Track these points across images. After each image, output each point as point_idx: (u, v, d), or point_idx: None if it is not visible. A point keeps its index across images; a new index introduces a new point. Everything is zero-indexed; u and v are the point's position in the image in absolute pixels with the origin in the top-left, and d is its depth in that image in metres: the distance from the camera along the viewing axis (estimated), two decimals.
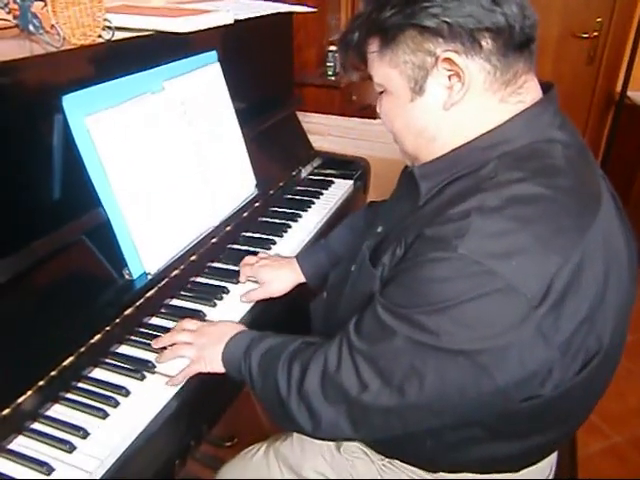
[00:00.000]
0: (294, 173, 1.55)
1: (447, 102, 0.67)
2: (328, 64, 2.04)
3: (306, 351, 0.74)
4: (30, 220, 0.84)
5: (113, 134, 0.89)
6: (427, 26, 0.63)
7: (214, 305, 1.02)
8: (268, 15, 1.33)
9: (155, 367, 0.86)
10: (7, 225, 0.80)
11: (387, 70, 0.69)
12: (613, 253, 0.67)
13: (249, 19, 1.24)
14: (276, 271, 1.07)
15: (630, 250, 0.71)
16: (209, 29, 1.08)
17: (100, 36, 0.88)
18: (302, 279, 1.09)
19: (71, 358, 0.81)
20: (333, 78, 2.07)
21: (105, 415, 0.77)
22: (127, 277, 0.94)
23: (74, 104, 0.83)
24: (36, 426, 0.75)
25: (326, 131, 1.93)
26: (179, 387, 0.84)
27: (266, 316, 1.05)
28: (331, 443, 0.88)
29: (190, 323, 0.91)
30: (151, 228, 0.96)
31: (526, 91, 0.68)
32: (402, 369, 0.62)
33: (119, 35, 0.94)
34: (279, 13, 1.38)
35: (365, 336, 0.66)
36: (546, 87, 0.72)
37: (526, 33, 0.65)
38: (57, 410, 0.78)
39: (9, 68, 0.78)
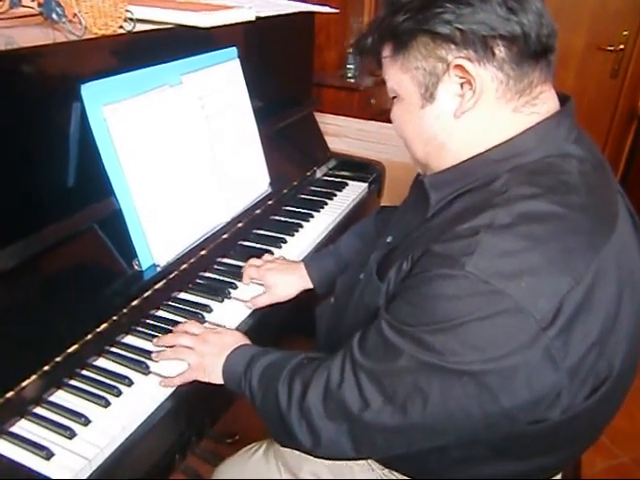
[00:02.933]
0: (309, 173, 1.54)
1: (458, 110, 0.65)
2: (348, 66, 2.03)
3: (308, 366, 0.72)
4: (43, 206, 0.85)
5: (129, 124, 0.90)
6: (439, 32, 0.62)
7: (221, 301, 1.02)
8: (290, 14, 1.33)
9: (159, 360, 0.86)
10: (19, 210, 0.81)
11: (399, 75, 0.68)
12: (627, 274, 0.65)
13: (271, 17, 1.24)
14: (283, 276, 1.05)
15: None
16: (230, 25, 1.09)
17: (121, 27, 0.89)
18: (309, 285, 1.07)
19: (76, 345, 0.81)
20: (352, 80, 2.06)
21: (107, 404, 0.77)
22: (136, 268, 0.94)
23: (92, 93, 0.84)
24: (38, 410, 0.76)
25: (342, 132, 1.92)
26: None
27: (271, 319, 1.04)
28: None
29: (194, 326, 0.90)
30: (162, 220, 0.96)
31: (541, 102, 0.66)
32: (406, 388, 0.60)
33: (139, 27, 0.95)
34: (301, 12, 1.38)
35: (369, 353, 0.65)
36: (563, 99, 0.70)
37: (542, 42, 0.63)
38: (60, 396, 0.78)
39: (31, 54, 0.79)
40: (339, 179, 1.61)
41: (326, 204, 1.45)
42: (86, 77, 0.84)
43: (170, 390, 0.82)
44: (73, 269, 0.87)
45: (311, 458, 0.86)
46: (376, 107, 2.29)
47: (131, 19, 0.89)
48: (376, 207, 1.72)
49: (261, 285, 1.06)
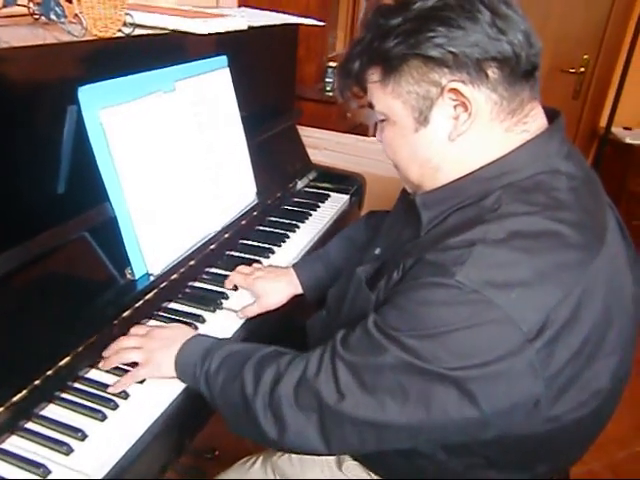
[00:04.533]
0: (291, 184, 1.54)
1: (453, 133, 0.66)
2: (327, 80, 2.06)
3: (281, 357, 0.71)
4: (34, 212, 0.81)
5: (126, 130, 0.88)
6: (432, 56, 0.62)
7: (213, 310, 1.00)
8: (277, 26, 1.34)
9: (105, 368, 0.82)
10: (9, 216, 0.77)
11: (389, 100, 0.67)
12: (617, 287, 0.66)
13: (258, 27, 1.24)
14: (272, 283, 1.04)
15: (637, 285, 0.71)
16: (221, 33, 1.08)
17: (120, 30, 0.87)
18: (298, 290, 1.06)
19: (68, 357, 0.78)
20: (331, 94, 2.08)
21: (104, 417, 0.74)
22: (129, 277, 0.91)
23: (89, 96, 0.81)
24: (30, 426, 0.72)
25: (321, 145, 1.94)
26: (179, 392, 0.81)
27: (262, 327, 1.03)
28: (331, 459, 0.85)
29: (139, 328, 0.88)
30: (156, 228, 0.94)
31: (532, 119, 0.67)
32: (386, 384, 0.60)
33: (136, 32, 0.93)
34: (286, 24, 1.39)
35: (351, 347, 0.64)
36: (551, 114, 0.71)
37: (532, 61, 0.64)
38: (53, 410, 0.74)
39: (29, 54, 0.77)
40: (321, 190, 1.62)
41: (310, 215, 1.45)
42: (83, 79, 0.81)
43: (169, 399, 0.79)
44: (64, 278, 0.84)
45: (310, 472, 0.85)
46: (351, 121, 2.32)
47: (131, 24, 0.87)
48: (356, 219, 1.75)
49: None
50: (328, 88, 2.08)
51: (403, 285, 0.64)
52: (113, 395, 0.77)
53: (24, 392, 0.71)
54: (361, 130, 2.41)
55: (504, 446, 0.67)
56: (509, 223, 0.61)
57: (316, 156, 1.79)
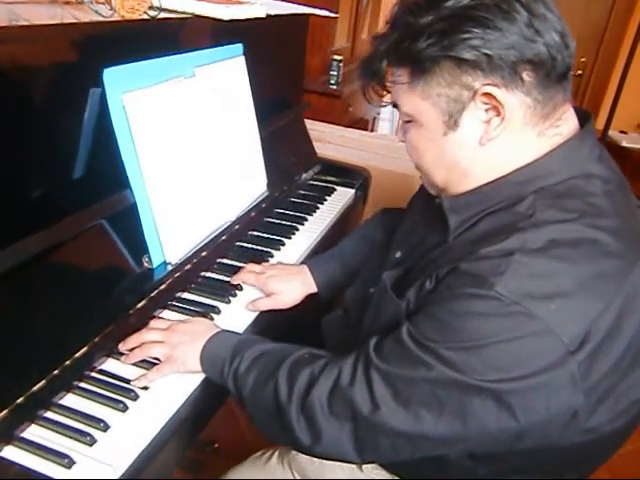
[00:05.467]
0: (297, 177, 1.53)
1: (483, 137, 0.64)
2: (332, 73, 2.04)
3: (315, 361, 0.70)
4: (50, 199, 0.79)
5: (148, 114, 0.85)
6: (466, 58, 0.60)
7: (228, 302, 0.99)
8: (291, 15, 1.32)
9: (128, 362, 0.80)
10: (25, 204, 0.75)
11: (418, 102, 0.65)
12: None
13: (273, 17, 1.22)
14: (286, 282, 1.01)
15: None
16: (239, 21, 1.06)
17: (145, 12, 0.85)
18: (313, 290, 1.04)
19: (86, 347, 0.75)
20: (335, 87, 2.07)
21: (125, 408, 0.72)
22: (146, 265, 0.89)
23: (114, 78, 0.79)
24: (50, 415, 0.70)
25: (324, 138, 1.93)
26: (198, 383, 0.79)
27: (274, 323, 1.01)
28: None
29: (160, 322, 0.85)
30: (175, 216, 0.92)
31: (564, 122, 0.65)
32: (422, 396, 0.59)
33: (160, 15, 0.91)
34: (297, 15, 1.37)
35: (386, 356, 0.63)
36: (582, 116, 0.69)
37: (566, 63, 0.63)
38: (73, 400, 0.73)
39: (49, 33, 0.74)
40: (326, 184, 1.61)
41: (317, 208, 1.44)
42: (104, 61, 0.79)
43: (191, 388, 0.78)
44: (81, 267, 0.81)
45: (331, 470, 0.83)
46: (352, 115, 2.32)
47: (157, 7, 0.85)
48: (361, 214, 1.75)
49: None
50: (332, 81, 2.07)
51: (437, 295, 0.62)
52: (134, 386, 0.76)
53: (43, 382, 0.69)
54: (362, 125, 2.41)
55: (536, 455, 0.66)
56: (546, 231, 0.60)
57: (320, 149, 1.78)
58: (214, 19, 0.93)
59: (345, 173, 1.65)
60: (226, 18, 0.94)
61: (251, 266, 1.05)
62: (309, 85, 2.01)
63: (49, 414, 0.70)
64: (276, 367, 0.70)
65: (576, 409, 0.59)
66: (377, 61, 0.67)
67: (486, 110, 0.63)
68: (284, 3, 1.40)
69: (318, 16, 1.39)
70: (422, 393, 0.59)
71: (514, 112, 0.62)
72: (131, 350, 0.80)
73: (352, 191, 1.60)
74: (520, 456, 0.67)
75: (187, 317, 0.91)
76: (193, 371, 0.78)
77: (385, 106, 0.75)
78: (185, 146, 0.95)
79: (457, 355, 0.57)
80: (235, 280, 1.02)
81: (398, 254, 0.80)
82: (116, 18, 0.81)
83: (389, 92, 0.72)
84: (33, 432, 0.67)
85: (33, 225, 0.72)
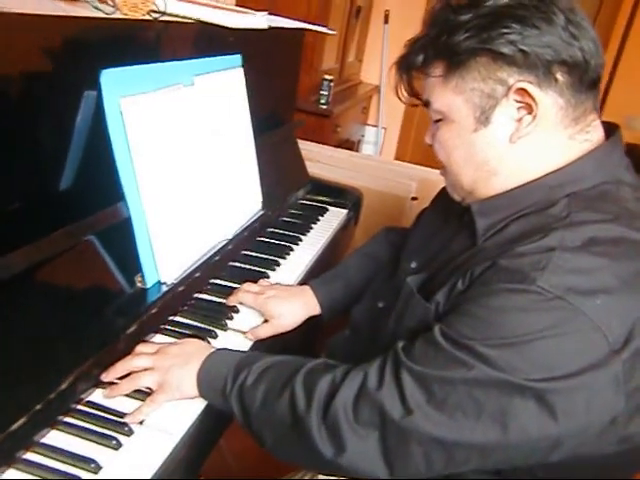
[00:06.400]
0: (289, 196, 1.48)
1: (514, 135, 0.64)
2: (322, 92, 2.02)
3: (334, 369, 0.65)
4: (36, 211, 0.71)
5: (146, 122, 0.79)
6: (503, 52, 0.60)
7: (224, 325, 0.91)
8: (289, 30, 1.29)
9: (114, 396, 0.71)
10: (8, 216, 0.67)
11: (450, 97, 0.66)
12: None
13: (272, 29, 1.18)
14: (286, 304, 0.94)
15: None
16: (241, 30, 1.02)
17: (148, 14, 0.79)
18: (315, 312, 0.98)
19: (71, 378, 0.67)
20: (325, 107, 2.04)
21: (118, 445, 0.64)
22: (140, 285, 0.82)
23: (112, 81, 0.73)
24: (30, 456, 0.61)
25: (314, 157, 1.89)
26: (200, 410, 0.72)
27: (274, 348, 0.95)
28: None
29: (147, 346, 0.78)
30: (171, 232, 0.85)
31: (593, 130, 0.66)
32: (458, 397, 0.56)
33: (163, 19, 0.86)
34: (298, 30, 1.34)
35: (417, 357, 0.60)
36: (608, 128, 0.70)
37: (598, 72, 0.64)
38: (56, 438, 0.64)
39: (47, 24, 0.67)
40: (319, 204, 1.56)
41: (311, 228, 1.39)
42: (103, 62, 0.73)
43: (192, 416, 0.70)
44: (68, 286, 0.73)
45: None
46: (339, 135, 2.29)
47: (159, 11, 0.80)
48: (352, 235, 1.70)
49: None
50: (322, 101, 2.04)
51: (473, 292, 0.60)
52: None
53: (23, 418, 0.60)
54: (348, 146, 2.38)
55: (566, 469, 0.63)
56: (584, 230, 0.59)
57: (310, 168, 1.74)
58: (218, 26, 0.88)
59: (338, 193, 1.61)
60: (231, 26, 0.89)
61: (248, 286, 0.98)
62: (299, 104, 1.98)
63: (30, 455, 0.61)
64: (290, 377, 0.66)
65: (616, 414, 0.57)
66: (413, 55, 0.68)
67: (518, 108, 0.63)
68: (281, 18, 1.37)
69: (317, 32, 1.36)
70: (459, 395, 0.56)
71: (547, 111, 0.62)
72: (118, 379, 0.72)
73: (345, 211, 1.56)
74: (549, 470, 0.63)
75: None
76: (190, 396, 0.72)
77: (416, 105, 0.73)
78: (182, 158, 0.89)
79: (497, 352, 0.55)
80: (231, 301, 0.95)
81: (413, 264, 0.78)
82: (117, 16, 0.75)
83: (418, 97, 0.72)
84: (12, 476, 0.58)
85: (16, 240, 0.64)
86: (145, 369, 0.73)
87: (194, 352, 0.75)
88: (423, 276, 0.73)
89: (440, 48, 0.65)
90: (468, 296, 0.60)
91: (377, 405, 0.59)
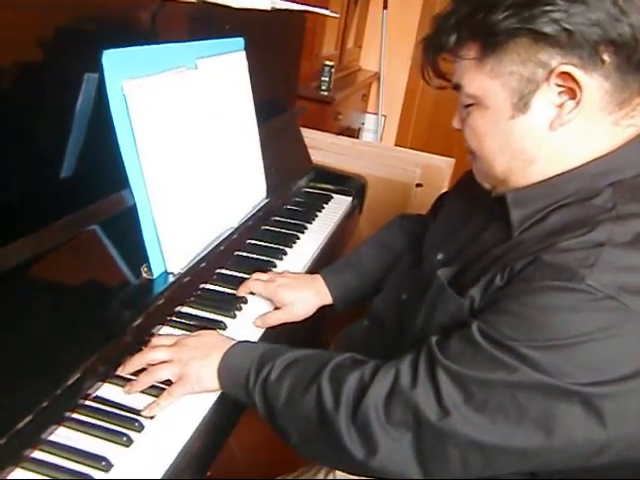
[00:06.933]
0: (293, 184, 1.45)
1: (555, 122, 0.59)
2: (323, 78, 1.98)
3: (362, 365, 0.62)
4: (37, 200, 0.68)
5: (150, 106, 0.76)
6: (545, 32, 0.55)
7: (234, 316, 0.89)
8: (292, 12, 1.25)
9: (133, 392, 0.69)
10: (8, 205, 0.64)
11: (485, 81, 0.61)
12: None
13: (275, 11, 1.15)
14: (298, 293, 0.92)
15: None
16: (244, 10, 0.98)
17: None
18: (327, 302, 0.96)
19: (79, 373, 0.65)
20: (326, 93, 2.01)
21: (129, 441, 0.61)
22: (146, 276, 0.79)
23: (114, 62, 0.69)
24: (38, 455, 0.58)
25: (316, 145, 1.85)
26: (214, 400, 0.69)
27: (282, 338, 0.92)
28: None
29: (164, 338, 0.76)
30: (177, 221, 0.82)
31: (638, 113, 0.61)
32: (500, 400, 0.53)
33: None
34: (301, 13, 1.31)
35: (454, 355, 0.57)
36: None
37: None
38: (65, 435, 0.61)
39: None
40: (322, 191, 1.54)
41: (316, 216, 1.36)
42: (104, 43, 0.69)
43: (205, 410, 0.68)
44: (72, 278, 0.70)
45: None
46: (341, 123, 2.26)
47: None
48: (357, 223, 1.68)
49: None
50: (323, 87, 2.01)
51: (514, 289, 0.56)
52: (138, 415, 0.65)
53: (29, 416, 0.58)
54: (349, 133, 2.35)
55: (606, 474, 0.60)
56: (632, 224, 0.55)
57: (313, 156, 1.71)
58: (221, 6, 0.84)
59: (342, 180, 1.58)
60: (235, 5, 0.86)
61: (258, 274, 0.95)
62: (299, 90, 1.94)
63: (37, 454, 0.58)
64: (316, 372, 0.63)
65: None
66: (444, 35, 0.62)
67: (559, 93, 0.58)
68: (284, 1, 1.33)
69: (317, 16, 1.32)
70: (500, 398, 0.53)
71: (591, 96, 0.57)
72: (135, 374, 0.70)
73: (349, 199, 1.53)
74: (590, 475, 0.60)
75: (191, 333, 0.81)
76: (210, 389, 0.69)
77: (445, 88, 0.69)
78: (187, 143, 0.86)
79: (543, 355, 0.52)
80: (242, 290, 0.92)
81: (440, 256, 0.74)
82: None
83: (445, 79, 0.68)
84: (20, 476, 0.56)
85: (17, 230, 0.61)
86: (163, 361, 0.70)
87: (214, 344, 0.72)
88: (454, 269, 0.69)
89: (475, 28, 0.59)
90: (508, 293, 0.57)
91: (411, 405, 0.56)
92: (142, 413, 0.64)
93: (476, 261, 0.66)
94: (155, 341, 0.74)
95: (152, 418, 0.65)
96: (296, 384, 0.63)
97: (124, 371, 0.69)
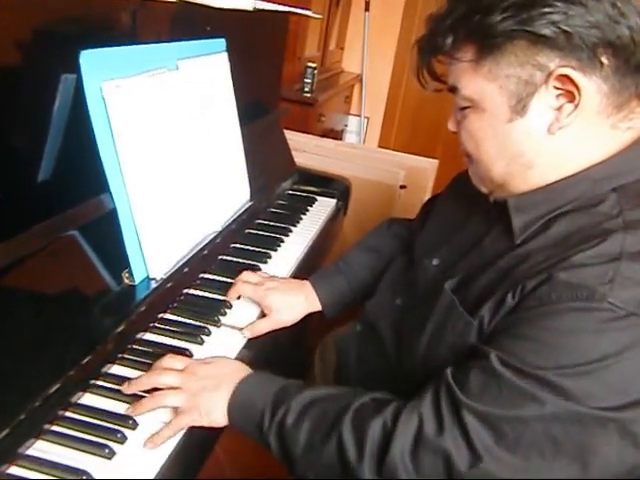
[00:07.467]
0: (277, 186, 1.44)
1: (553, 125, 0.59)
2: (306, 80, 1.97)
3: (384, 408, 0.59)
4: (17, 204, 0.66)
5: (130, 108, 0.74)
6: (543, 34, 0.55)
7: (217, 322, 0.87)
8: (274, 13, 1.24)
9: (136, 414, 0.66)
10: None
11: (482, 83, 0.60)
12: None
13: (257, 12, 1.13)
14: (286, 297, 0.90)
15: None
16: (226, 11, 0.97)
17: None
18: (315, 308, 0.94)
19: (58, 384, 0.62)
20: (309, 95, 2.00)
21: (111, 453, 0.60)
22: (127, 282, 0.77)
23: (92, 63, 0.68)
24: (14, 470, 0.56)
25: (299, 147, 1.84)
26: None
27: (270, 346, 0.91)
28: None
29: (175, 360, 0.71)
30: (159, 225, 0.81)
31: (637, 116, 0.61)
32: (533, 436, 0.51)
33: None
34: (283, 14, 1.30)
35: (477, 394, 0.54)
36: None
37: None
38: (42, 448, 0.59)
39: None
40: (306, 194, 1.53)
41: (301, 219, 1.35)
42: (81, 43, 0.67)
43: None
44: (51, 285, 0.68)
45: None
46: (324, 125, 2.25)
47: None
48: (341, 225, 1.67)
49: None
50: (306, 89, 2.00)
51: (528, 311, 0.55)
52: (120, 425, 0.63)
53: (7, 429, 0.56)
54: (333, 135, 2.34)
55: None
56: None
57: (296, 158, 1.70)
58: (202, 5, 0.83)
59: (326, 183, 1.57)
60: (216, 5, 0.85)
61: (247, 275, 0.93)
62: (282, 92, 1.93)
63: (13, 469, 0.56)
64: (336, 419, 0.59)
65: None
66: (440, 36, 0.61)
67: (558, 96, 0.58)
68: (267, 3, 1.32)
69: (300, 18, 1.31)
70: (533, 433, 0.51)
71: (590, 99, 0.57)
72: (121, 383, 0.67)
73: (333, 201, 1.52)
74: None
75: (182, 341, 0.79)
76: (218, 425, 0.66)
77: (440, 91, 0.68)
78: (168, 146, 0.84)
79: (573, 382, 0.50)
80: (230, 294, 0.90)
81: (435, 261, 0.73)
82: None
83: (441, 81, 0.66)
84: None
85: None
86: (171, 388, 0.66)
87: (228, 374, 0.68)
88: (457, 279, 0.67)
89: (472, 29, 0.58)
90: (524, 316, 0.55)
91: (440, 453, 0.54)
92: (147, 444, 0.61)
93: (480, 272, 0.64)
94: (166, 362, 0.70)
95: (134, 429, 0.63)
96: (315, 431, 0.60)
97: (129, 390, 0.66)
